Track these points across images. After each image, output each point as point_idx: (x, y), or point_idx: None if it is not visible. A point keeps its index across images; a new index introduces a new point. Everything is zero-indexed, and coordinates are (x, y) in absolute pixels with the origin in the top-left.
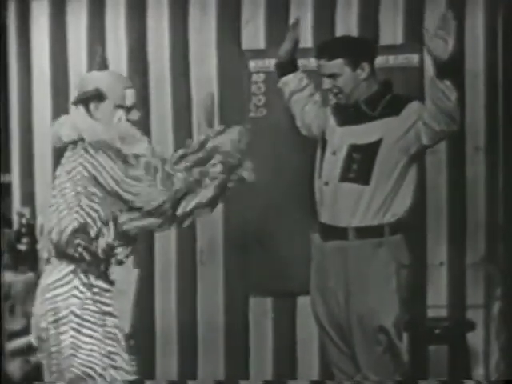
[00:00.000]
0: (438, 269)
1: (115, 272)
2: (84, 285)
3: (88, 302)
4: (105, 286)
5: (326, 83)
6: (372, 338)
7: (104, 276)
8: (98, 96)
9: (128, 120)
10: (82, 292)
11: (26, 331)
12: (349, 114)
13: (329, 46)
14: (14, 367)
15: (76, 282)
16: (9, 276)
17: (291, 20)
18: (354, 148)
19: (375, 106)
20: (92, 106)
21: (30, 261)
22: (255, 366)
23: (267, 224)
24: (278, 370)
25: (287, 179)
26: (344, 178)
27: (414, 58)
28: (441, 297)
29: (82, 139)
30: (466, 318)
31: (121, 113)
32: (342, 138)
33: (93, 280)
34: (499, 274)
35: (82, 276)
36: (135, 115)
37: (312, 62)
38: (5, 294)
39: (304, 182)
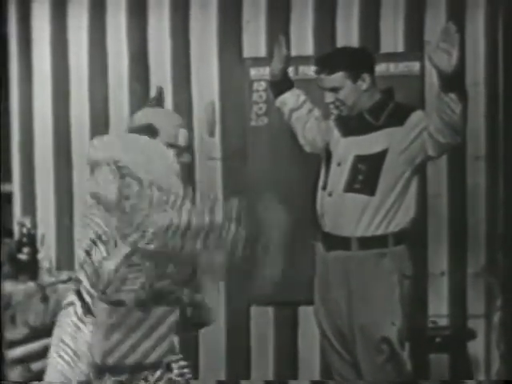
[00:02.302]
0: (439, 278)
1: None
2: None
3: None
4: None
5: (328, 97)
6: (374, 348)
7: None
8: (150, 131)
9: (180, 162)
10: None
11: (26, 340)
12: (353, 124)
13: (328, 60)
14: (15, 375)
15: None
16: (9, 285)
17: (291, 20)
18: (359, 158)
19: (379, 115)
20: None
21: (30, 270)
22: (256, 369)
23: (269, 233)
24: (279, 374)
25: (289, 188)
26: (349, 188)
27: (415, 66)
28: (442, 306)
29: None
30: (467, 327)
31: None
32: (346, 149)
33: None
34: (500, 283)
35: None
36: (187, 158)
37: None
38: (5, 304)
39: (306, 190)
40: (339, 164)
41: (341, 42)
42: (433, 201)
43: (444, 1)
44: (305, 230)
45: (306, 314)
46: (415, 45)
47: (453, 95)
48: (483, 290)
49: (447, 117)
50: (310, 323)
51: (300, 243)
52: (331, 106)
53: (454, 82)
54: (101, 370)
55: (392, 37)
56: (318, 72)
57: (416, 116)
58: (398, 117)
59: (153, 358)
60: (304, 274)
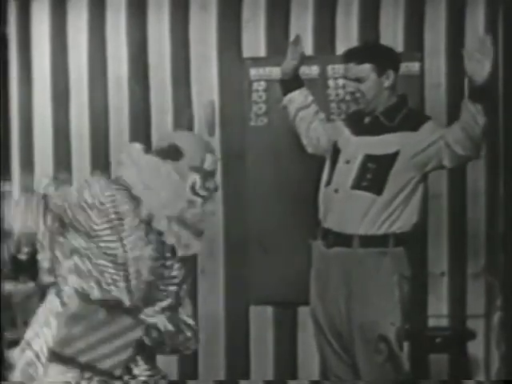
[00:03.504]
0: (439, 279)
1: None
2: None
3: None
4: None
5: (350, 86)
6: (373, 347)
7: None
8: (175, 153)
9: (205, 188)
10: None
11: None
12: (366, 124)
13: (359, 51)
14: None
15: None
16: (9, 286)
17: (291, 20)
18: (369, 158)
19: (393, 117)
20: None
21: (30, 271)
22: (256, 369)
23: (268, 233)
24: (278, 374)
25: (288, 188)
26: (357, 185)
27: (414, 66)
28: (442, 306)
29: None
30: (467, 327)
31: (195, 176)
32: (357, 148)
33: None
34: (499, 283)
35: None
36: (213, 184)
37: (314, 70)
38: (5, 304)
39: (305, 190)
40: (348, 162)
41: (340, 42)
42: (433, 201)
43: (444, 0)
44: (304, 229)
45: (305, 313)
46: (415, 45)
47: (479, 106)
48: (483, 290)
49: (470, 128)
50: (309, 323)
51: (299, 243)
52: (350, 98)
53: (482, 93)
54: (53, 357)
55: (392, 37)
56: (347, 61)
57: (430, 125)
58: (412, 122)
59: (106, 364)
60: (303, 273)
